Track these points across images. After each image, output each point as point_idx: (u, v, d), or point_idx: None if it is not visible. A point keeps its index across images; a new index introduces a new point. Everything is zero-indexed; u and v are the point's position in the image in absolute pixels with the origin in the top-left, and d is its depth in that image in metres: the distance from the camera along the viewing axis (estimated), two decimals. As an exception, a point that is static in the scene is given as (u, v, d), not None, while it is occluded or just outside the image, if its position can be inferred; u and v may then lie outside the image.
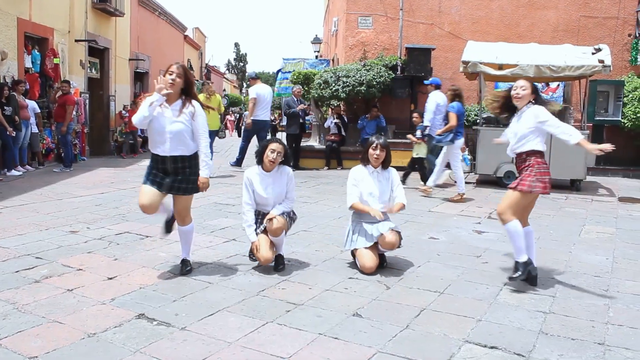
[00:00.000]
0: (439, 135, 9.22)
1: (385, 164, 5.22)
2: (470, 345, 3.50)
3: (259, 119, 11.93)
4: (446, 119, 9.29)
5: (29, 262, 5.03)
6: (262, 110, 11.88)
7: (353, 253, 5.19)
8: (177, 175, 4.60)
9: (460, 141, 9.21)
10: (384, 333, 3.64)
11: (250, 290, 4.42)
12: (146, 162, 15.19)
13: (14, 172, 11.23)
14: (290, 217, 5.13)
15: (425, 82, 11.06)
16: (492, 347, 3.46)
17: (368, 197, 5.13)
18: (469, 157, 10.96)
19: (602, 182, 12.09)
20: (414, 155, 10.42)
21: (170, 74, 4.53)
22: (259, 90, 12.00)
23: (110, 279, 4.58)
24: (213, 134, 11.64)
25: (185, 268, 4.84)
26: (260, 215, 5.09)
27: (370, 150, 5.13)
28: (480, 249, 5.95)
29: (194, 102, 4.63)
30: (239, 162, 12.23)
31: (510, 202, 4.75)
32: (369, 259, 4.94)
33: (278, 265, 5.00)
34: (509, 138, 4.99)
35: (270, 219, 4.91)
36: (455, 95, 9.36)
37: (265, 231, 5.00)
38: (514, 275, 4.60)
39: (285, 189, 5.09)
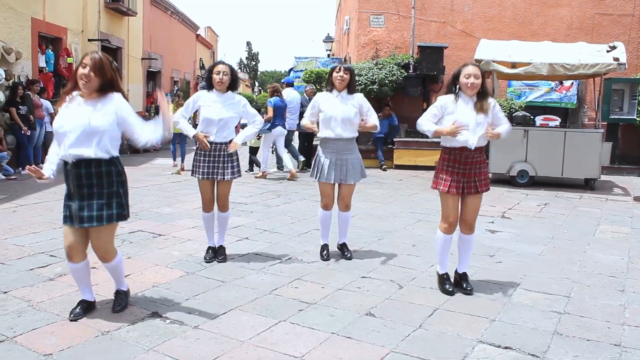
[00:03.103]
0: None
1: (351, 88, 5.21)
2: (484, 345, 3.48)
3: None
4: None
5: (44, 260, 5.06)
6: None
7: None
8: (82, 198, 3.56)
9: (278, 129, 10.87)
10: (397, 332, 3.63)
11: (263, 289, 4.42)
12: (160, 161, 15.06)
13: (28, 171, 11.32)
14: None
15: (283, 80, 13.22)
16: (506, 348, 3.44)
17: (330, 119, 5.12)
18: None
19: (617, 181, 11.97)
20: (250, 145, 12.14)
21: (84, 67, 3.50)
22: None
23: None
24: (185, 136, 12.35)
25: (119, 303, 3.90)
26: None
27: (334, 74, 5.15)
28: (494, 248, 5.91)
29: (113, 95, 3.63)
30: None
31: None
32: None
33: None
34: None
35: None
36: (274, 92, 11.25)
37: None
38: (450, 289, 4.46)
39: (239, 115, 5.16)
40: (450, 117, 4.31)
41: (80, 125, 3.47)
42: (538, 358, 3.31)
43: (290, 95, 12.48)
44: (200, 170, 5.03)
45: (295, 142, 13.21)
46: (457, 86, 4.34)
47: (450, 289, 4.44)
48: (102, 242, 3.69)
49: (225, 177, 5.03)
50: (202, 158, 5.02)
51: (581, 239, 6.47)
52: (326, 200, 5.29)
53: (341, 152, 5.18)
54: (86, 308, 3.79)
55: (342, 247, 5.50)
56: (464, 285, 4.48)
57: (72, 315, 3.71)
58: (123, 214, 3.72)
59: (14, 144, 11.31)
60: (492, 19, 14.70)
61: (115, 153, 3.66)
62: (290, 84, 13.07)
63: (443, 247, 4.54)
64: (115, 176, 3.66)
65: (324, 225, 5.42)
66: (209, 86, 5.06)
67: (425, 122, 4.43)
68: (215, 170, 5.02)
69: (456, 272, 4.61)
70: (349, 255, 5.39)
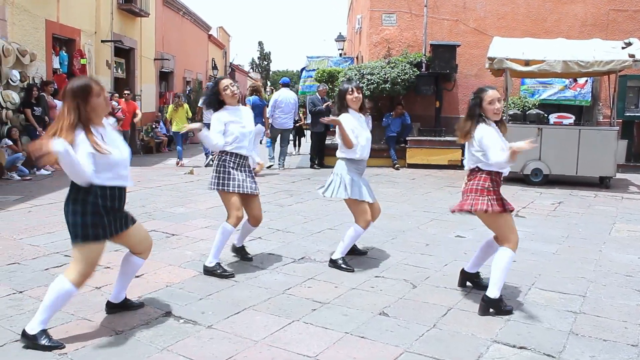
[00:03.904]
0: None
1: (361, 107, 5.12)
2: (499, 345, 3.45)
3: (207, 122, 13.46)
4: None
5: (58, 260, 5.10)
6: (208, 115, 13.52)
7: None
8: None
9: (257, 127, 11.99)
10: (411, 332, 3.61)
11: (276, 288, 4.42)
12: (173, 161, 15.19)
13: (43, 171, 11.42)
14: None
15: (280, 81, 14.04)
16: (521, 347, 3.41)
17: (365, 142, 5.05)
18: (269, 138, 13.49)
19: (633, 179, 11.83)
20: None
21: (99, 96, 3.40)
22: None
23: (137, 277, 4.60)
24: (183, 135, 14.26)
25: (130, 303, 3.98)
26: (238, 158, 4.86)
27: (348, 96, 5.04)
28: (508, 247, 5.85)
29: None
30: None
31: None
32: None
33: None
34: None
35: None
36: (254, 91, 12.29)
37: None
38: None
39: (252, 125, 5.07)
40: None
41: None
42: (554, 358, 3.28)
43: (283, 95, 13.02)
44: (236, 183, 4.79)
45: (308, 142, 13.28)
46: (481, 114, 4.08)
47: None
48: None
49: (257, 190, 4.94)
50: (232, 172, 4.80)
51: (596, 237, 6.40)
52: (369, 216, 5.09)
53: (362, 172, 5.17)
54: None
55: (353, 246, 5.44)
56: (480, 282, 4.47)
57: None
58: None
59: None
60: (505, 16, 14.61)
61: None
62: (286, 85, 13.57)
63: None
64: None
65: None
66: (219, 105, 4.88)
67: (502, 155, 3.89)
68: (250, 185, 4.86)
69: (464, 271, 4.55)
70: (360, 250, 5.45)
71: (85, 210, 3.40)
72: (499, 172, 4.12)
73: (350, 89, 5.05)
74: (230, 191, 4.77)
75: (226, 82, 4.90)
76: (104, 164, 3.35)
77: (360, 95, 5.09)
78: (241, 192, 4.79)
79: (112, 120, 3.76)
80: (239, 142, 4.85)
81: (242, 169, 4.88)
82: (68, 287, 3.37)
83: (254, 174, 5.06)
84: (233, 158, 4.85)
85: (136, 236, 3.72)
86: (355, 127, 5.01)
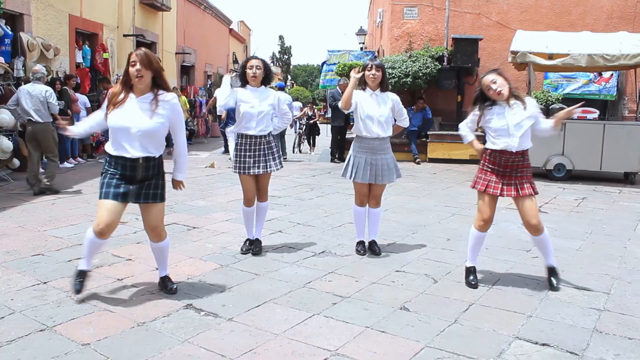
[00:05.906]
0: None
1: (383, 86, 5.09)
2: (521, 341, 3.41)
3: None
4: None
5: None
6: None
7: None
8: (145, 181, 3.94)
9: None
10: (432, 327, 3.59)
11: (297, 282, 4.42)
12: (194, 154, 15.31)
13: (66, 164, 11.56)
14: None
15: (275, 84, 14.69)
16: (543, 344, 3.37)
17: (366, 119, 5.03)
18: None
19: (658, 175, 11.62)
20: None
21: (133, 65, 3.75)
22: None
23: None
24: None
25: (169, 286, 4.14)
26: (247, 139, 5.04)
27: (366, 72, 5.03)
28: (530, 243, 5.77)
29: (169, 94, 3.96)
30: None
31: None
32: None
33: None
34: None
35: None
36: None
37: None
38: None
39: (273, 108, 5.11)
40: (488, 126, 4.30)
41: (151, 129, 3.88)
42: (577, 356, 3.23)
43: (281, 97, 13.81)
44: (243, 165, 5.03)
45: (328, 136, 13.28)
46: (488, 99, 4.28)
47: (474, 283, 4.41)
48: (158, 217, 4.02)
49: (268, 169, 5.06)
50: (243, 153, 5.03)
51: (621, 234, 6.30)
52: (362, 198, 5.23)
53: (376, 151, 5.09)
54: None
55: (372, 244, 5.35)
56: (552, 281, 4.42)
57: (76, 288, 3.97)
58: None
59: (53, 137, 11.53)
60: (528, 9, 14.42)
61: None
62: (281, 88, 14.27)
63: (475, 243, 4.51)
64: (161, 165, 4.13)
65: (359, 222, 5.36)
66: (243, 82, 5.05)
67: (464, 128, 4.58)
68: (257, 165, 5.02)
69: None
70: (378, 251, 5.27)
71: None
72: (496, 150, 4.28)
73: (369, 66, 5.04)
74: (237, 172, 5.09)
75: (252, 62, 5.02)
76: (112, 128, 3.86)
77: (379, 74, 5.01)
78: (241, 173, 5.06)
79: None
80: (245, 123, 5.00)
81: (253, 149, 5.03)
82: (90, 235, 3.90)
83: (273, 152, 5.11)
84: (242, 139, 5.07)
85: (149, 218, 4.01)
86: (365, 105, 5.03)
